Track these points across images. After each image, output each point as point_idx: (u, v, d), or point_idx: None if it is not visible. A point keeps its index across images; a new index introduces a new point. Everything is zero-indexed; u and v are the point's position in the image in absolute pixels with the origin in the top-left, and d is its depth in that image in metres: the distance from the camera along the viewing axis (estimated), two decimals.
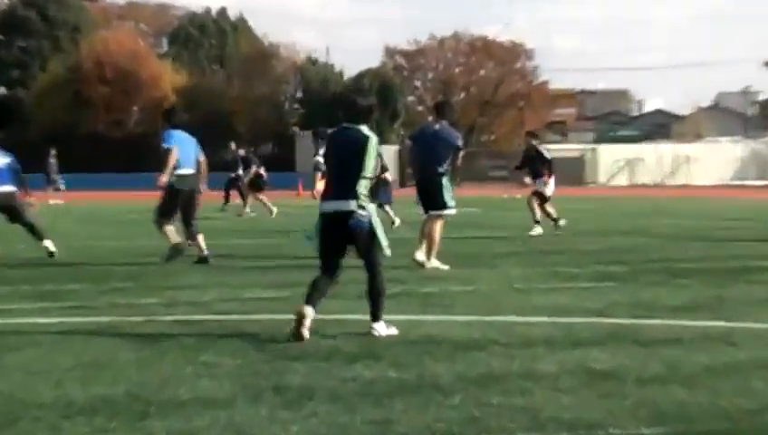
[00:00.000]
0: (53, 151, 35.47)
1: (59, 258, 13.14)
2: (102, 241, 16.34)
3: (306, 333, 6.97)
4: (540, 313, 8.24)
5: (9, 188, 13.48)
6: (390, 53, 69.42)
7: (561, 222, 17.47)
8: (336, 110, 8.20)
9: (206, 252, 12.53)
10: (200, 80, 62.38)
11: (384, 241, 7.22)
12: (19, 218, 13.60)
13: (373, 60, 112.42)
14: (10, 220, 13.68)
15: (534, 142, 18.07)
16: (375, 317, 7.22)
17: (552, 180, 17.53)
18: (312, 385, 5.66)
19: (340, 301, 8.48)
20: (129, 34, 64.26)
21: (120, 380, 5.81)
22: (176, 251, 12.49)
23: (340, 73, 66.43)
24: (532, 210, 17.24)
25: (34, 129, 58.81)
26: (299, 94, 66.75)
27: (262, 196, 24.36)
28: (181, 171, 12.64)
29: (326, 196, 7.25)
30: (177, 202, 12.62)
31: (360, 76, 63.79)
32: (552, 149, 24.82)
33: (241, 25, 70.05)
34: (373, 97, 7.47)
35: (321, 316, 7.28)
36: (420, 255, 11.67)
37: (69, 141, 50.79)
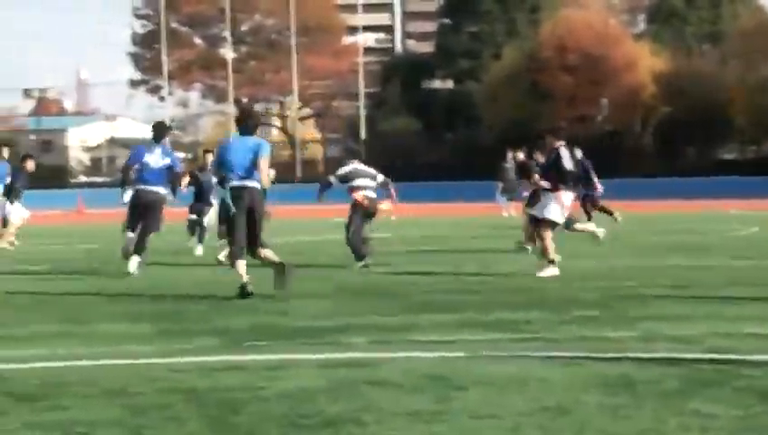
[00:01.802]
0: (511, 154, 36.62)
1: (503, 281, 13.53)
2: (568, 260, 16.60)
3: None
4: None
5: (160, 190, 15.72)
6: None
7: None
8: None
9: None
10: (685, 63, 61.47)
11: None
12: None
13: None
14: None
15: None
16: None
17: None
18: None
19: None
20: (599, 13, 64.97)
21: (589, 429, 5.78)
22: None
23: None
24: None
25: (485, 127, 61.41)
26: None
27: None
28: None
29: None
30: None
31: None
32: None
33: None
34: None
35: None
36: None
37: (524, 142, 52.23)
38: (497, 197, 37.06)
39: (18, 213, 22.87)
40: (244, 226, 12.58)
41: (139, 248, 15.52)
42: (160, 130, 16.34)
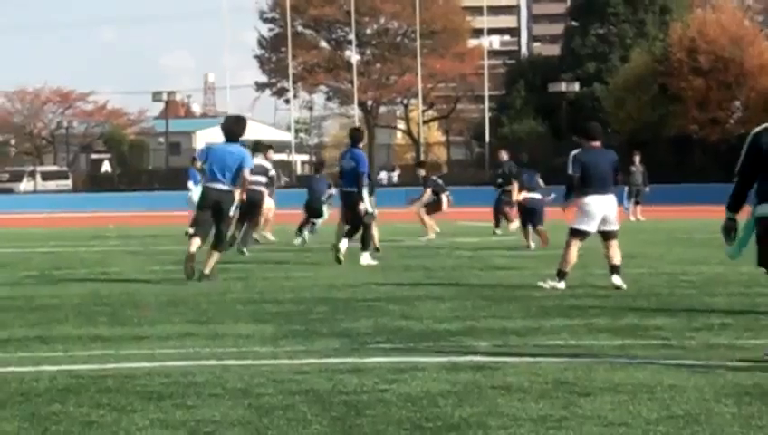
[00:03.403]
0: (638, 158, 36.17)
1: (631, 285, 13.37)
2: (696, 266, 16.34)
3: None
4: None
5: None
6: None
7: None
8: None
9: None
10: None
11: None
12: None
13: None
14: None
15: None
16: None
17: None
18: None
19: None
20: (732, 14, 63.75)
21: None
22: None
23: None
24: None
25: (612, 131, 60.64)
26: None
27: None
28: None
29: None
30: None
31: None
32: None
33: None
34: None
35: None
36: None
37: (652, 145, 51.44)
38: (624, 201, 36.56)
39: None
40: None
41: (366, 244, 17.45)
42: (357, 134, 18.64)
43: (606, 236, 13.51)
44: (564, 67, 69.21)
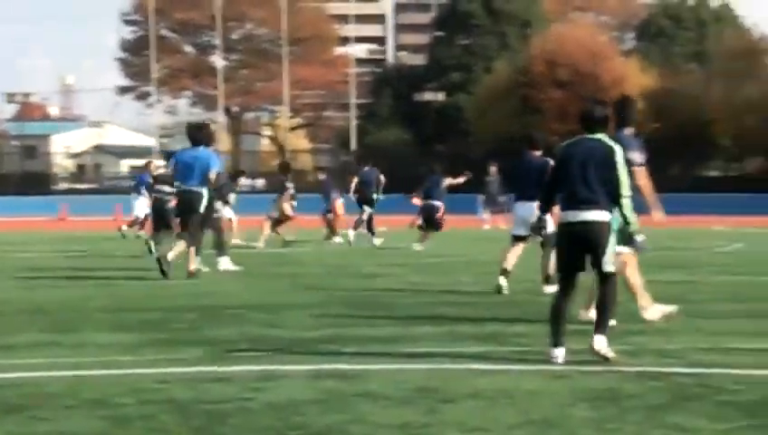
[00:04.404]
0: (494, 168, 36.89)
1: (492, 297, 13.56)
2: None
3: None
4: None
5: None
6: None
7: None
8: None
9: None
10: (672, 81, 61.74)
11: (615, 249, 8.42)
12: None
13: None
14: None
15: None
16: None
17: None
18: None
19: None
20: (589, 29, 65.29)
21: None
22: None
23: None
24: None
25: (475, 141, 61.46)
26: None
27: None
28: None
29: (567, 206, 8.43)
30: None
31: None
32: None
33: (725, 15, 69.26)
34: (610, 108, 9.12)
35: None
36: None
37: (514, 156, 52.19)
38: (479, 210, 37.42)
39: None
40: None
41: (221, 248, 17.70)
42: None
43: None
44: (430, 77, 69.88)
